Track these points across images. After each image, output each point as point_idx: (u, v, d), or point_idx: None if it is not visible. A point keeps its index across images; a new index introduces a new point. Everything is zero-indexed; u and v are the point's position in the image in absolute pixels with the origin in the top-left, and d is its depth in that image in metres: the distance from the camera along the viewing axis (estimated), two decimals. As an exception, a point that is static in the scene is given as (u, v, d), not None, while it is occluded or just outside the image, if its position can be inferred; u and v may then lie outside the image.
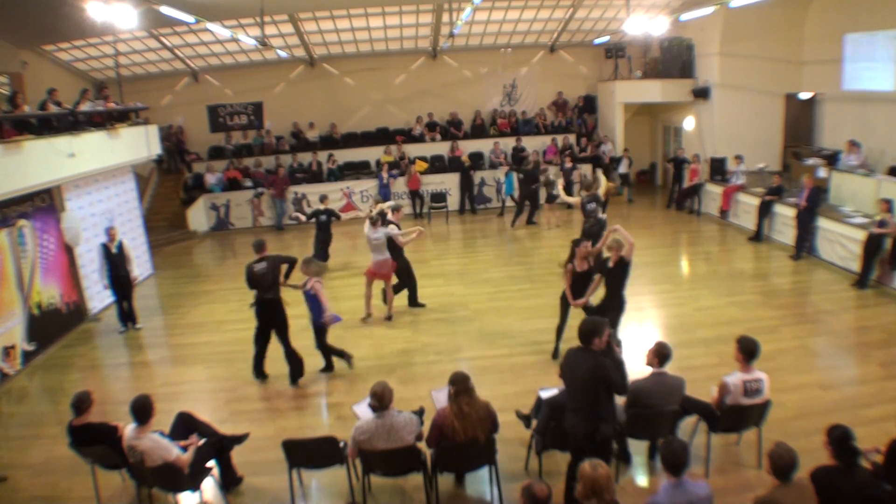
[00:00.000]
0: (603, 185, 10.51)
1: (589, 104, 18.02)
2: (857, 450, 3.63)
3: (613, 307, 6.65)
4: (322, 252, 11.07)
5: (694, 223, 14.00)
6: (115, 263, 8.95)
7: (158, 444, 4.52)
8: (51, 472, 5.65)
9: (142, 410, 4.51)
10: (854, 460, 3.63)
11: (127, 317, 9.28)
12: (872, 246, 9.01)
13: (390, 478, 5.04)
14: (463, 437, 4.45)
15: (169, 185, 16.18)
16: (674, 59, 15.72)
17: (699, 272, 10.66)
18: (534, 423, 5.17)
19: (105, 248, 8.91)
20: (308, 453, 4.88)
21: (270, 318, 7.08)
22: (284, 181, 15.28)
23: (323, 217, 11.04)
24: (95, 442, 4.83)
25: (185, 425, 5.16)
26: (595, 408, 4.25)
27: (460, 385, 4.49)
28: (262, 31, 11.82)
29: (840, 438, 3.62)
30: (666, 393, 4.86)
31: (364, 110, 17.67)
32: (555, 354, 7.16)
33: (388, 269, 8.63)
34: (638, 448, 5.32)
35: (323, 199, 11.51)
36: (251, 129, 17.05)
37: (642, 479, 5.17)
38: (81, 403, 4.83)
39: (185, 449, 4.74)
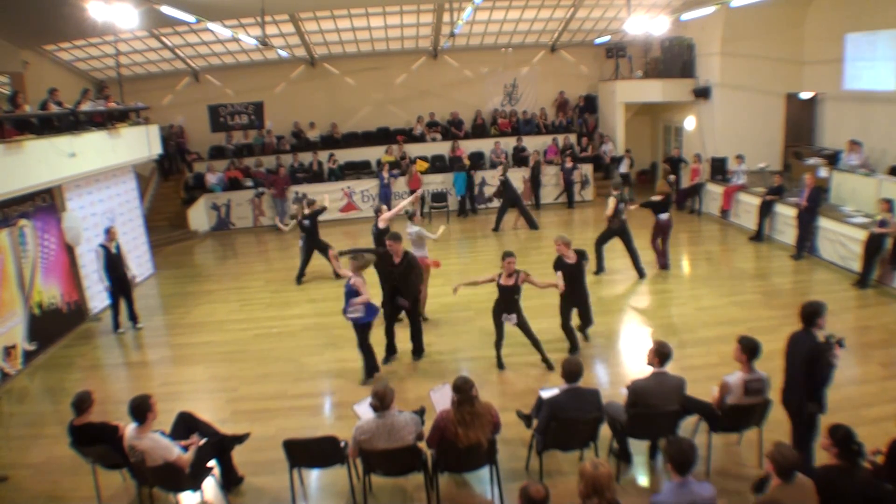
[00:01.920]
0: (660, 185, 10.64)
1: (590, 104, 18.02)
2: (862, 448, 3.62)
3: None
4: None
5: (695, 223, 14.00)
6: (116, 264, 8.95)
7: (159, 444, 4.52)
8: (52, 471, 5.66)
9: (139, 410, 4.51)
10: (857, 460, 3.63)
11: (130, 316, 9.27)
12: (873, 246, 9.01)
13: (391, 477, 5.04)
14: (465, 443, 4.45)
15: (169, 185, 16.20)
16: (674, 59, 15.71)
17: (700, 272, 10.66)
18: (534, 422, 5.16)
19: (105, 249, 8.90)
20: (309, 453, 4.88)
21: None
22: (285, 181, 15.29)
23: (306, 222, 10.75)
24: (96, 441, 4.83)
25: (185, 425, 5.16)
26: (806, 386, 4.49)
27: (464, 394, 4.47)
28: (262, 31, 11.82)
29: (845, 438, 3.62)
30: (667, 392, 4.86)
31: (365, 110, 17.68)
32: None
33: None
34: (639, 448, 5.32)
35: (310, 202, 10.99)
36: (252, 128, 17.06)
37: (643, 479, 5.16)
38: (82, 403, 4.84)
39: (185, 448, 4.75)
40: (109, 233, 8.99)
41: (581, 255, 7.17)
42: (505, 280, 6.79)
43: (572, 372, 4.84)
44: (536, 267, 10.15)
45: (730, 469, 5.15)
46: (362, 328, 6.84)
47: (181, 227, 15.15)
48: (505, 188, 13.65)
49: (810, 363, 4.49)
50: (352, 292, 6.68)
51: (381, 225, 8.98)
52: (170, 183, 16.19)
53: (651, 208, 10.21)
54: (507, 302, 6.86)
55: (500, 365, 7.19)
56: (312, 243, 10.89)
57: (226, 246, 14.52)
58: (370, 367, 7.06)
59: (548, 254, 11.08)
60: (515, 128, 17.40)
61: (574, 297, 7.20)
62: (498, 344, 7.15)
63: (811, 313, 4.60)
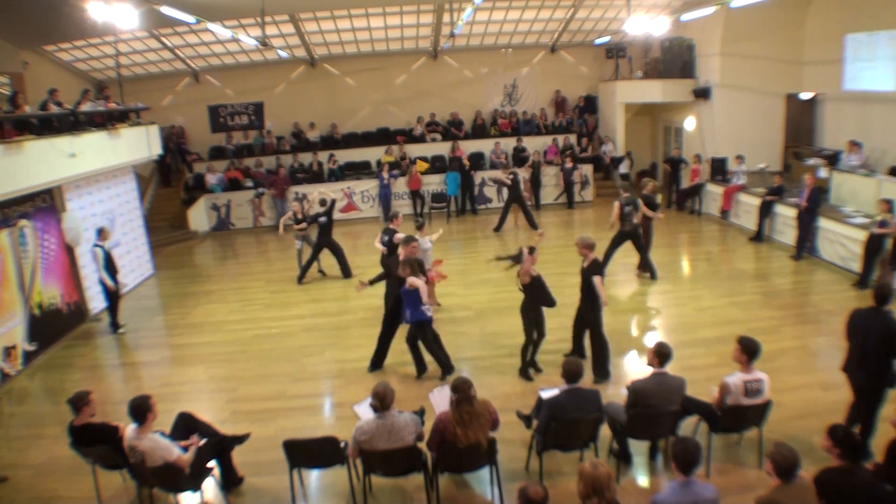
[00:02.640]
0: (648, 184, 10.53)
1: (590, 104, 18.03)
2: (865, 446, 3.62)
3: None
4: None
5: (695, 223, 14.00)
6: (112, 264, 8.96)
7: (159, 445, 4.52)
8: (52, 472, 5.65)
9: (138, 411, 4.51)
10: (859, 460, 3.62)
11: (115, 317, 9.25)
12: (873, 246, 9.00)
13: (391, 478, 5.04)
14: (465, 443, 4.46)
15: (168, 188, 16.22)
16: (674, 60, 15.71)
17: (700, 272, 10.65)
18: (534, 423, 5.16)
19: (103, 249, 8.87)
20: (309, 453, 4.88)
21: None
22: (285, 181, 15.29)
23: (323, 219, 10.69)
24: (96, 442, 4.84)
25: (185, 425, 5.16)
26: (884, 360, 4.75)
27: (462, 393, 4.48)
28: (262, 31, 11.82)
29: (846, 438, 3.62)
30: (667, 393, 4.86)
31: (365, 110, 17.69)
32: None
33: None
34: (639, 448, 5.32)
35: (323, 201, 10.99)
36: (252, 129, 17.07)
37: (643, 479, 5.16)
38: (79, 401, 4.84)
39: (185, 449, 4.75)
40: (102, 233, 8.97)
41: (595, 269, 7.00)
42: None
43: (573, 372, 4.83)
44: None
45: (730, 469, 5.14)
46: (423, 327, 6.82)
47: (181, 227, 15.15)
48: (513, 186, 13.62)
49: (888, 339, 4.74)
50: (409, 296, 6.68)
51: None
52: (168, 189, 16.23)
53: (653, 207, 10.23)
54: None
55: (537, 369, 6.98)
56: (325, 241, 10.78)
57: (226, 246, 14.52)
58: (445, 365, 7.02)
59: (548, 254, 11.11)
60: (515, 128, 17.40)
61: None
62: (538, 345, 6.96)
63: (888, 294, 4.97)
